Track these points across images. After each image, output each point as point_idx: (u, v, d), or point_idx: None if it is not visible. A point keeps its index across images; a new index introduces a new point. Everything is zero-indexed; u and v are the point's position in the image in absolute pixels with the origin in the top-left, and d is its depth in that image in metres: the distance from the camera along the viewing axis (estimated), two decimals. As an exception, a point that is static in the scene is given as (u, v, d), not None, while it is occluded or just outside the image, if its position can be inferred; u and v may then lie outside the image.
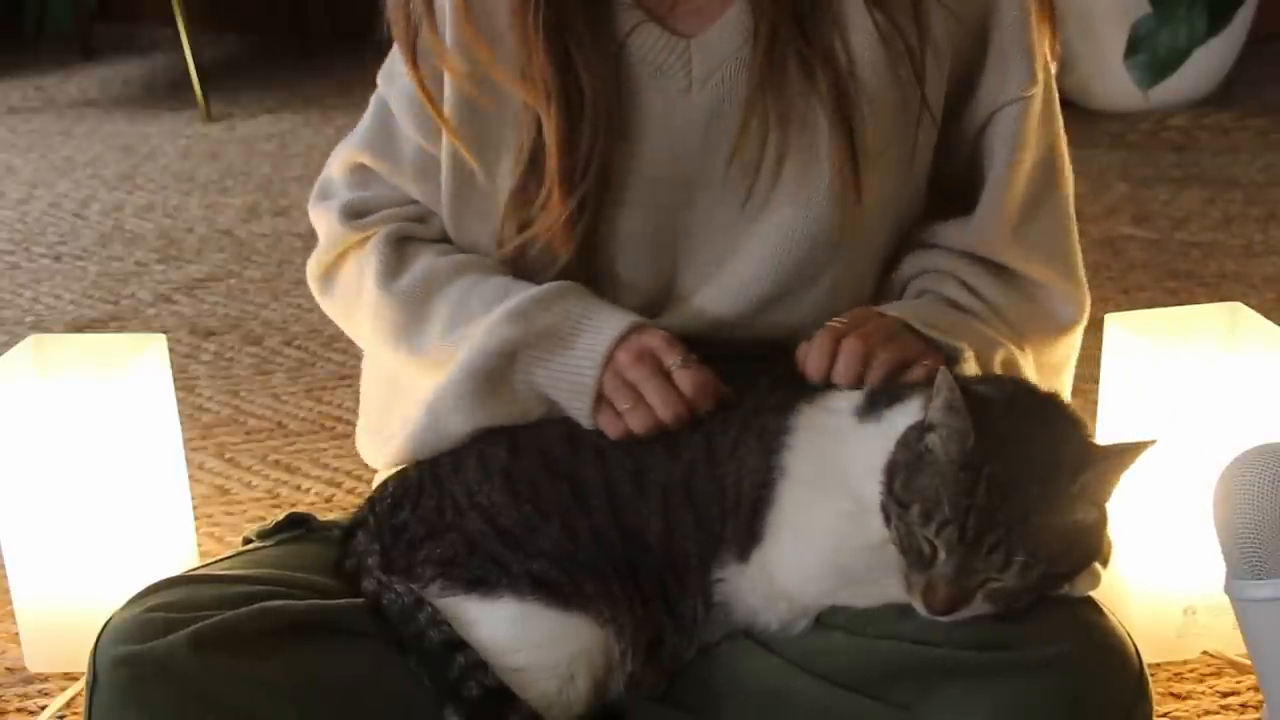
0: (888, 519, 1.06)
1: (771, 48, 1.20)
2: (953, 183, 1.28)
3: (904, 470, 1.06)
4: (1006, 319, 1.26)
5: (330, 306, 1.38)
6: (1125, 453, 1.05)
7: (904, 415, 1.09)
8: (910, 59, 1.21)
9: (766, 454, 1.13)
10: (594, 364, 1.18)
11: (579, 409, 1.19)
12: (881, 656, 1.08)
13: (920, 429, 1.06)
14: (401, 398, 1.31)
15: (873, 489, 1.07)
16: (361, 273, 1.30)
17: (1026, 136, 1.25)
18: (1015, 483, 1.02)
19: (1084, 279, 1.31)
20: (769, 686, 1.12)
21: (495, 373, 1.20)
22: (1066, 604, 1.08)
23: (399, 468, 1.28)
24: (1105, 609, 1.09)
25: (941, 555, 1.03)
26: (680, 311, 1.26)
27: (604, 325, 1.20)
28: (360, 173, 1.34)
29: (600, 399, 1.18)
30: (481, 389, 1.21)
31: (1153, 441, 1.05)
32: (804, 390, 1.16)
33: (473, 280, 1.25)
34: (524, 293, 1.22)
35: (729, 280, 1.25)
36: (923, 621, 1.06)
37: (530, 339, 1.20)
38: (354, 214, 1.31)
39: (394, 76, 1.30)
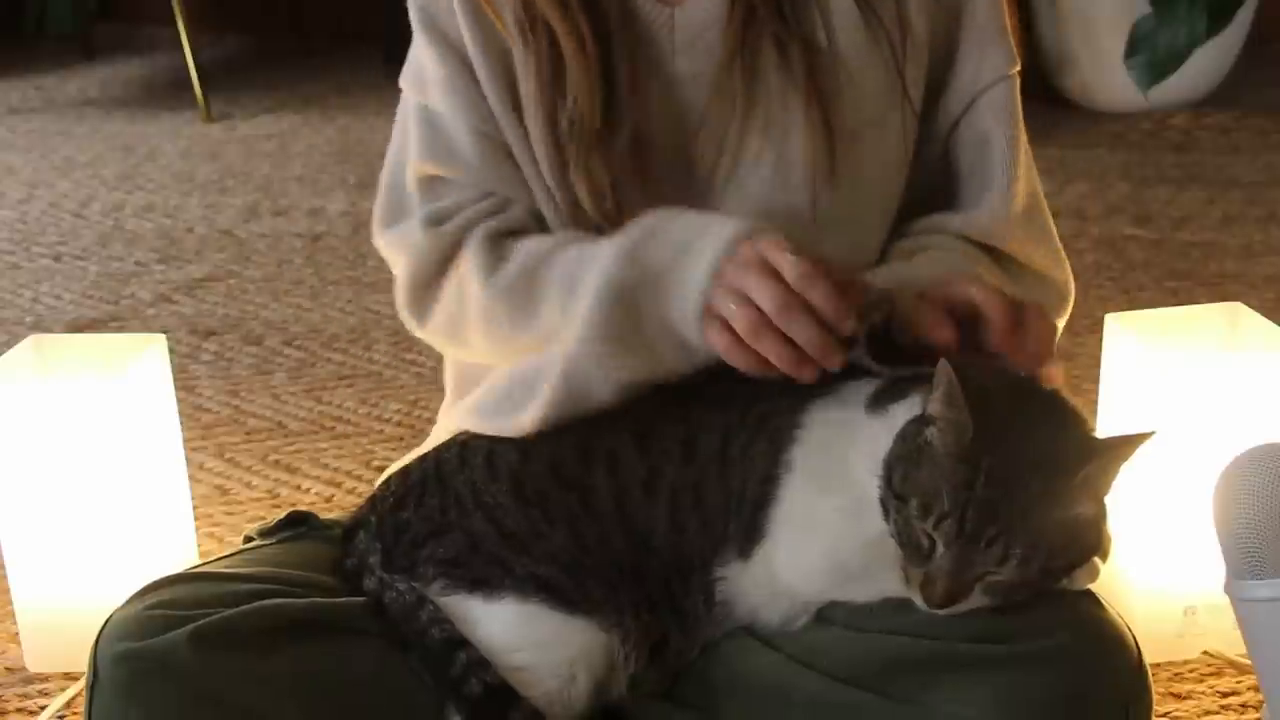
0: (887, 513, 1.06)
1: (746, 26, 1.21)
2: (927, 175, 1.29)
3: (903, 464, 1.06)
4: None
5: (429, 331, 1.30)
6: (1125, 445, 1.04)
7: (908, 409, 1.09)
8: (890, 43, 1.22)
9: (775, 452, 1.13)
10: (700, 279, 1.10)
11: (689, 331, 1.11)
12: (881, 650, 1.08)
13: (919, 422, 1.06)
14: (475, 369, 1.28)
15: (873, 483, 1.07)
16: (462, 287, 1.24)
17: (1017, 113, 1.26)
18: (1015, 476, 1.02)
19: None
20: (769, 682, 1.12)
21: (621, 323, 1.12)
22: (1066, 597, 1.08)
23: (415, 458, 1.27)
24: (1105, 602, 1.09)
25: (940, 549, 1.03)
26: None
27: (719, 231, 1.11)
28: (429, 187, 1.29)
29: (710, 313, 1.10)
30: (613, 340, 1.12)
31: (1152, 433, 1.04)
32: (816, 388, 1.16)
33: (577, 248, 1.19)
34: (629, 231, 1.15)
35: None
36: (922, 615, 1.05)
37: (643, 276, 1.12)
38: (436, 221, 1.26)
39: (424, 79, 1.28)
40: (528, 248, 1.22)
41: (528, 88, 1.23)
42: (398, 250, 1.29)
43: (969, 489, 1.01)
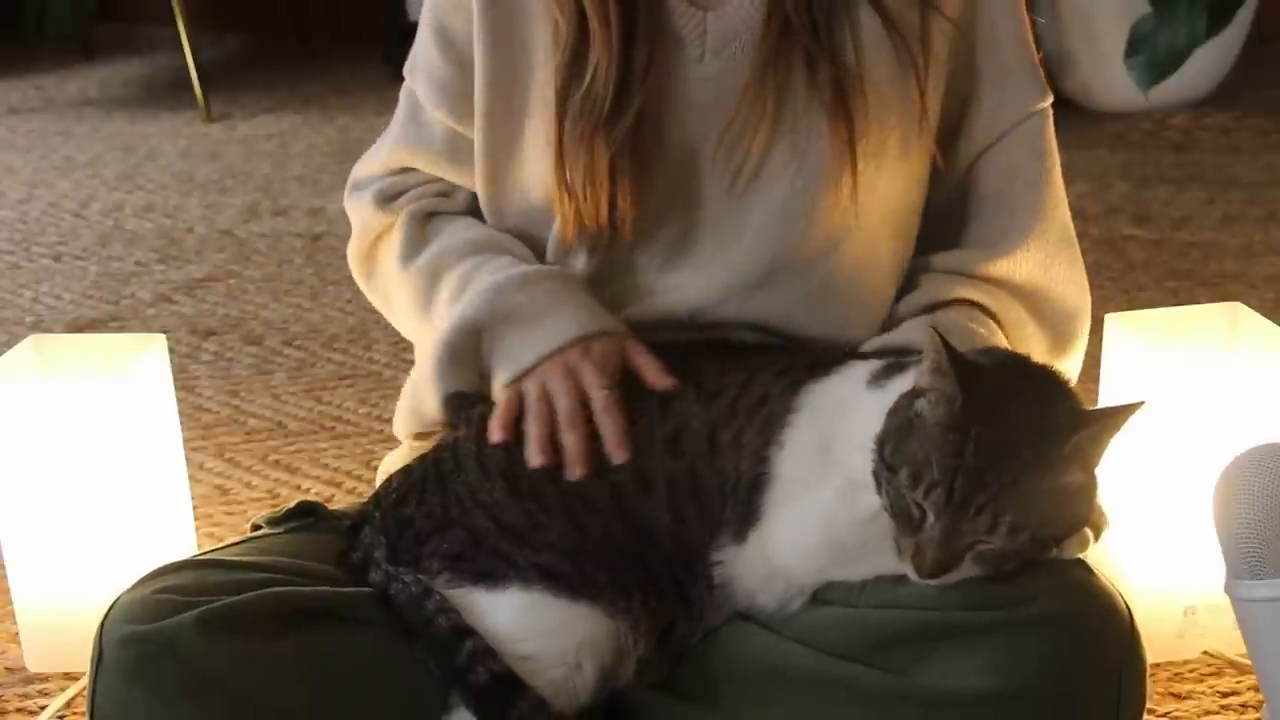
0: (879, 485, 1.07)
1: (781, 37, 1.22)
2: (948, 202, 1.30)
3: (894, 436, 1.06)
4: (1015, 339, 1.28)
5: (373, 294, 1.42)
6: (1115, 415, 1.05)
7: (905, 384, 1.10)
8: (914, 65, 1.23)
9: (768, 434, 1.14)
10: (529, 358, 1.22)
11: (495, 381, 1.24)
12: (876, 625, 1.09)
13: (911, 395, 1.07)
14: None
15: (865, 461, 1.08)
16: (390, 259, 1.35)
17: (1047, 148, 1.28)
18: (1004, 444, 1.02)
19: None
20: (765, 665, 1.13)
21: (463, 349, 1.25)
22: (1057, 564, 1.08)
23: (404, 462, 1.28)
24: (1095, 570, 1.09)
25: (930, 518, 1.03)
26: (686, 278, 1.27)
27: (562, 326, 1.22)
28: (396, 165, 1.38)
29: (514, 381, 1.22)
30: (452, 360, 1.25)
31: (1141, 403, 1.04)
32: (815, 369, 1.17)
33: (481, 259, 1.29)
34: (510, 270, 1.26)
35: (726, 251, 1.26)
36: (916, 589, 1.06)
37: (494, 318, 1.24)
38: (387, 198, 1.36)
39: (416, 67, 1.35)
40: (443, 242, 1.32)
41: (552, 62, 1.26)
42: (353, 216, 1.39)
43: (958, 457, 1.02)
